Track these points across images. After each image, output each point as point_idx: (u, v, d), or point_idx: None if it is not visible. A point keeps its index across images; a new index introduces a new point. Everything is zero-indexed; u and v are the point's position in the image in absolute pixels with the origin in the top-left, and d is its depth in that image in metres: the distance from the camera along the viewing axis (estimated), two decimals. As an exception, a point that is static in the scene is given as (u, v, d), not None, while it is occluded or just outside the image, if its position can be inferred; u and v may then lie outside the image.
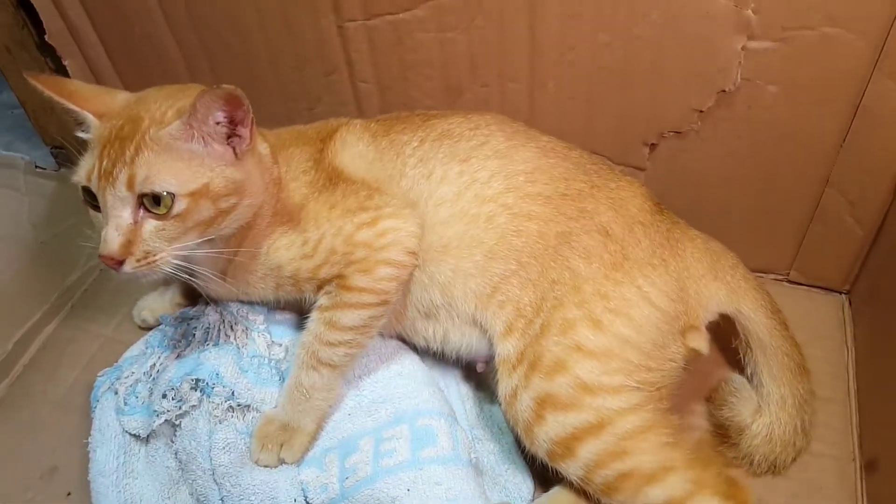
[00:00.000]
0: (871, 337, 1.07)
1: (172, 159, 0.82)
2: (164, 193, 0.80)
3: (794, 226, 1.13)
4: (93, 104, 0.86)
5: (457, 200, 0.94)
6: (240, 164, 0.86)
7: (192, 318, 1.07)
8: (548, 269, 0.92)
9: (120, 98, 0.89)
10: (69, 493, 1.01)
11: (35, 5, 1.18)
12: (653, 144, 1.09)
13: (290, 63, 1.17)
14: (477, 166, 0.95)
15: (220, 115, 0.83)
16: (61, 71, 1.29)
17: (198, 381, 0.97)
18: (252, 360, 1.02)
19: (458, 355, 1.02)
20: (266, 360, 1.03)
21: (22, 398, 1.15)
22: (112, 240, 0.81)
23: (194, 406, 0.96)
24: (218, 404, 0.96)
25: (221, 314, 1.05)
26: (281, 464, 0.94)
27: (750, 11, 0.91)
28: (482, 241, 0.93)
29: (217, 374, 0.98)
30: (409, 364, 1.03)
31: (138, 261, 0.82)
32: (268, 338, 1.04)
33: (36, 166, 1.51)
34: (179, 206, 0.82)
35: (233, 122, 0.84)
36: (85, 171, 0.83)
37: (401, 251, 0.91)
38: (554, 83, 1.07)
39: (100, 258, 0.82)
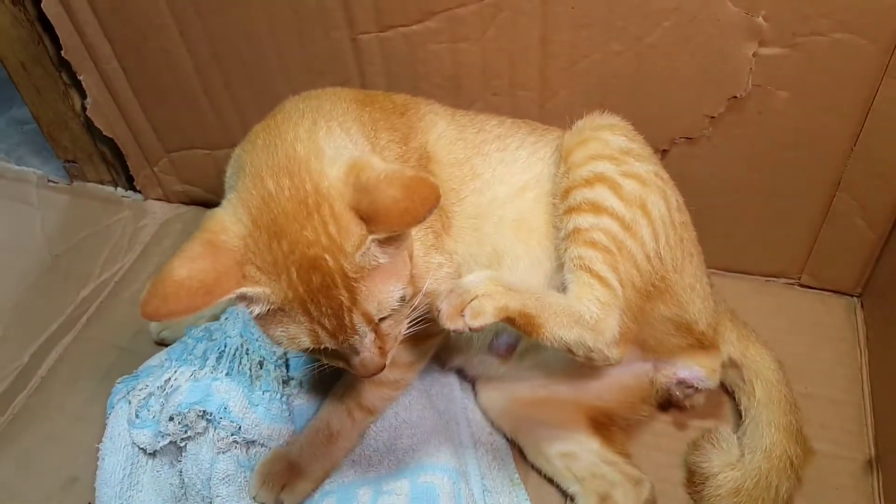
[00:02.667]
0: (884, 339, 1.07)
1: (384, 272, 0.72)
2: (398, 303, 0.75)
3: (805, 230, 1.13)
4: (229, 278, 0.69)
5: (534, 153, 0.97)
6: None
7: (215, 337, 1.06)
8: None
9: (230, 241, 0.71)
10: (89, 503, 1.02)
11: (52, 21, 1.20)
12: (664, 150, 1.10)
13: (303, 75, 1.18)
14: (554, 136, 0.99)
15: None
16: (76, 86, 1.30)
17: (205, 411, 0.96)
18: (264, 394, 1.00)
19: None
20: (278, 395, 1.01)
21: (40, 409, 1.15)
22: (372, 361, 0.76)
23: (199, 433, 0.96)
24: (223, 437, 0.95)
25: (242, 338, 1.03)
26: None
27: (761, 18, 0.92)
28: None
29: (225, 408, 0.95)
30: (419, 411, 1.00)
31: (391, 350, 0.79)
32: (283, 373, 1.02)
33: (48, 180, 1.53)
34: (407, 293, 0.76)
35: None
36: (308, 338, 0.73)
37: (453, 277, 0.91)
38: (566, 91, 1.08)
39: (365, 378, 0.80)
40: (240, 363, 1.01)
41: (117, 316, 1.29)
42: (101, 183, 1.50)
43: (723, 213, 1.15)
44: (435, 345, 0.95)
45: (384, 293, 0.72)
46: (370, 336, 0.74)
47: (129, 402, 1.03)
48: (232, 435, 0.95)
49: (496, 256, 0.93)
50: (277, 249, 0.69)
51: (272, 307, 0.71)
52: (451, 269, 0.93)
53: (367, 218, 0.69)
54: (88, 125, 1.36)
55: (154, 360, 1.09)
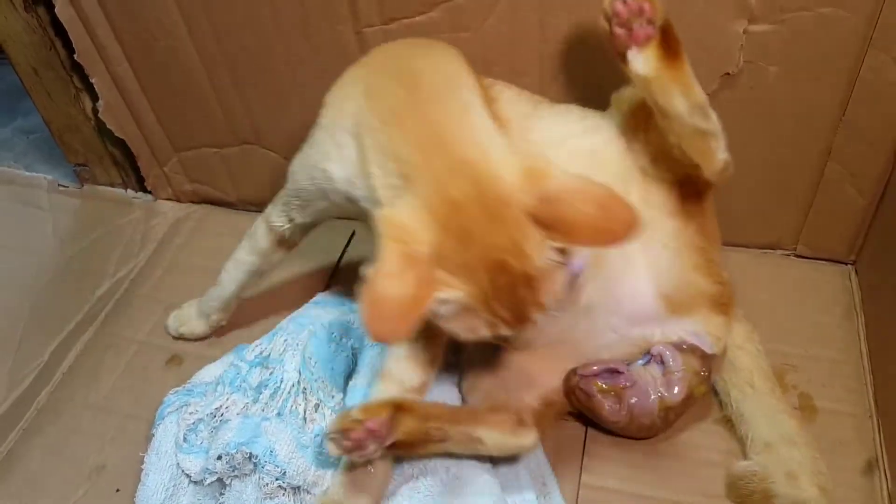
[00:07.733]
0: (878, 302, 1.12)
1: (557, 268, 0.78)
2: None
3: (798, 201, 1.18)
4: (428, 285, 0.72)
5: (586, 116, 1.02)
6: None
7: (270, 366, 1.03)
8: None
9: (422, 249, 0.72)
10: (118, 490, 1.04)
11: (65, 26, 1.23)
12: (661, 129, 1.14)
13: (310, 71, 1.22)
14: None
15: None
16: (88, 89, 1.34)
17: (251, 454, 0.94)
18: (316, 438, 0.97)
19: None
20: None
21: (64, 404, 1.18)
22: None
23: (246, 475, 0.94)
24: (267, 483, 0.93)
25: (301, 376, 1.01)
26: None
27: (750, -4, 0.96)
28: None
29: (271, 452, 0.93)
30: (471, 467, 0.94)
31: None
32: None
33: (59, 185, 1.56)
34: None
35: None
36: (487, 330, 0.78)
37: None
38: (564, 76, 1.12)
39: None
40: (294, 402, 0.99)
41: (134, 312, 1.31)
42: (112, 185, 1.53)
43: (718, 188, 1.18)
44: (446, 340, 0.97)
45: (557, 285, 0.78)
46: None
47: (178, 424, 1.02)
48: (276, 480, 0.93)
49: None
50: (467, 254, 0.73)
51: (460, 307, 0.76)
52: None
53: (548, 226, 0.73)
54: (99, 128, 1.39)
55: (206, 375, 1.08)
